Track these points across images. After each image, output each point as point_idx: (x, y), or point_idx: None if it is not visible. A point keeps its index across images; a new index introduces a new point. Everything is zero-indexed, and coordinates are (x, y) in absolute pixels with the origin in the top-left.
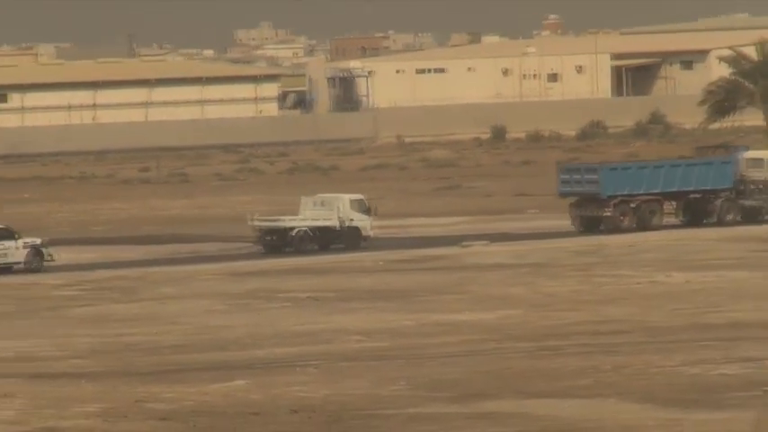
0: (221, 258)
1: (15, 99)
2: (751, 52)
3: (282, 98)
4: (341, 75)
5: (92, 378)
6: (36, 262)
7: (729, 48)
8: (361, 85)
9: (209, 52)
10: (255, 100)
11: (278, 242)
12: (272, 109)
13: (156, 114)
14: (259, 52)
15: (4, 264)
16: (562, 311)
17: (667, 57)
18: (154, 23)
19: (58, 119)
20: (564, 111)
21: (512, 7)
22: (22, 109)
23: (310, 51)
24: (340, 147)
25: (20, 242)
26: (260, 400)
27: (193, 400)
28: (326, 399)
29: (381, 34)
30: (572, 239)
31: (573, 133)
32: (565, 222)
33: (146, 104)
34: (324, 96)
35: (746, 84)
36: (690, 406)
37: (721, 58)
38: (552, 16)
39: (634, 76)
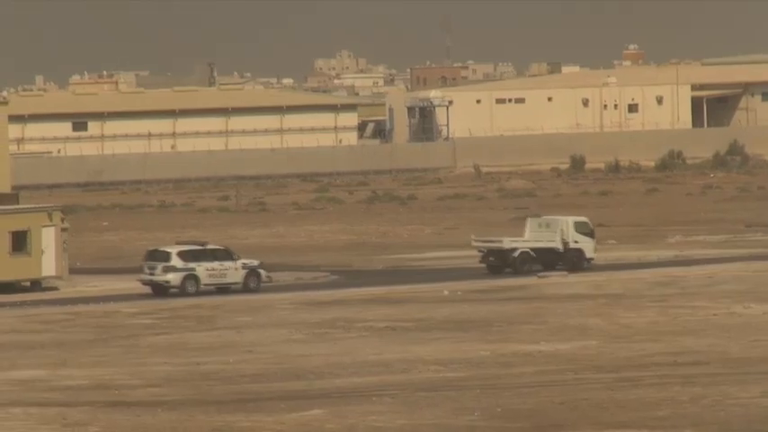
0: (298, 287)
1: (95, 127)
2: None
3: (362, 127)
4: (420, 104)
5: (168, 407)
6: (253, 282)
7: None
8: (441, 115)
9: (288, 81)
10: (335, 129)
11: (499, 262)
12: (351, 138)
13: (236, 143)
14: (338, 81)
15: (223, 284)
16: (639, 342)
17: (748, 87)
18: (234, 52)
19: (138, 147)
20: (643, 141)
21: (592, 37)
22: (102, 137)
23: (390, 81)
24: (418, 176)
25: (238, 263)
26: (335, 430)
27: (270, 430)
28: (402, 428)
29: (461, 64)
30: (651, 270)
31: (652, 164)
32: (643, 253)
33: (225, 133)
34: (402, 126)
35: None
36: None
37: None
38: (632, 46)
39: (714, 106)
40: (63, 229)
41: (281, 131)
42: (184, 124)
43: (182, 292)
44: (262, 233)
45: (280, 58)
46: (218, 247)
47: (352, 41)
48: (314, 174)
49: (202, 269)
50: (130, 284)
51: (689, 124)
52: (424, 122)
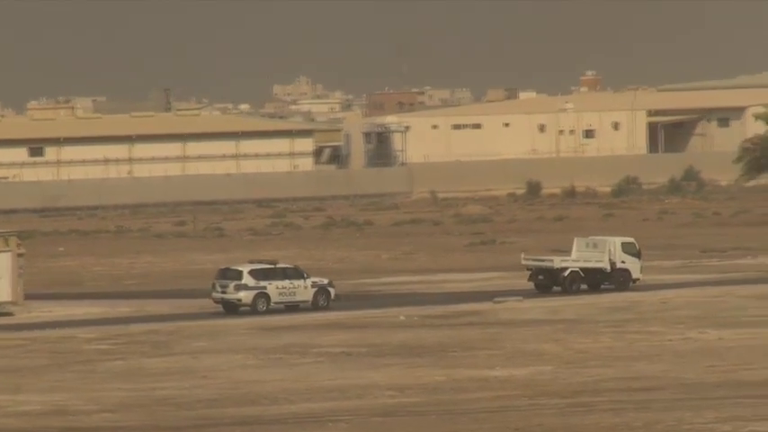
0: (254, 313)
1: (52, 152)
2: None
3: (318, 153)
4: (377, 130)
5: None
6: (323, 300)
7: (765, 105)
8: (397, 141)
9: (245, 106)
10: (291, 155)
11: (548, 281)
12: (307, 164)
13: (192, 168)
14: (295, 107)
15: (293, 302)
16: (594, 368)
17: (704, 114)
18: (191, 78)
19: (95, 172)
20: (599, 166)
21: (549, 63)
22: (58, 162)
23: (347, 106)
24: (374, 202)
25: (308, 281)
26: None
27: None
28: None
29: (417, 90)
30: (606, 296)
31: (608, 189)
32: None
33: (181, 158)
34: (359, 151)
35: None
36: None
37: (758, 116)
38: (590, 72)
39: (670, 132)
40: (19, 255)
41: (237, 157)
42: (141, 149)
43: (253, 310)
44: (218, 258)
45: (236, 83)
46: (288, 265)
47: (310, 68)
48: (270, 199)
49: (273, 287)
50: (87, 309)
51: (645, 150)
52: (381, 148)
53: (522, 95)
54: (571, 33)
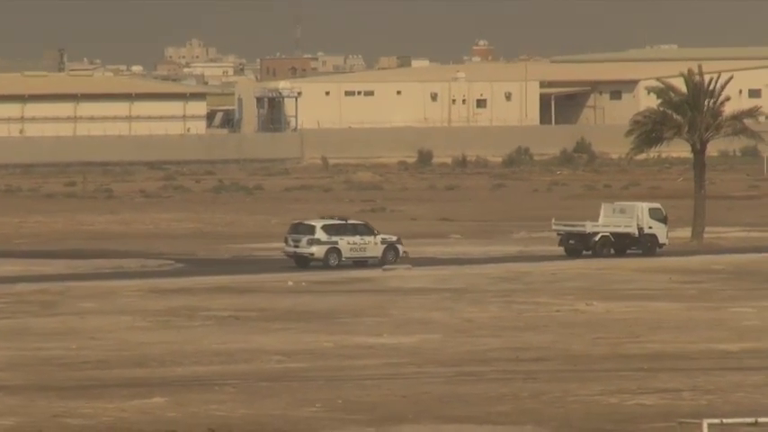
0: (143, 275)
1: None
2: (679, 83)
3: (210, 117)
4: (269, 95)
5: (8, 391)
6: (391, 256)
7: (657, 79)
8: (289, 106)
9: (138, 68)
10: (183, 118)
11: (578, 246)
12: (199, 127)
13: (84, 129)
14: (188, 70)
15: (362, 257)
16: (482, 337)
17: (596, 86)
18: (85, 39)
19: None
20: (491, 137)
21: (442, 32)
22: None
23: (240, 70)
24: (265, 167)
25: (378, 238)
26: (177, 418)
27: (111, 417)
28: (243, 418)
29: (311, 55)
30: (495, 266)
31: (499, 159)
32: (488, 248)
33: (73, 119)
34: (251, 116)
35: (674, 115)
36: None
37: (649, 89)
38: (482, 42)
39: (562, 104)
40: None
41: (129, 119)
42: (33, 109)
43: (324, 264)
44: (108, 220)
45: (130, 45)
46: (359, 222)
47: (203, 31)
48: (161, 162)
49: (344, 243)
50: None
51: (537, 121)
52: (273, 113)
53: (415, 63)
54: (464, 1)
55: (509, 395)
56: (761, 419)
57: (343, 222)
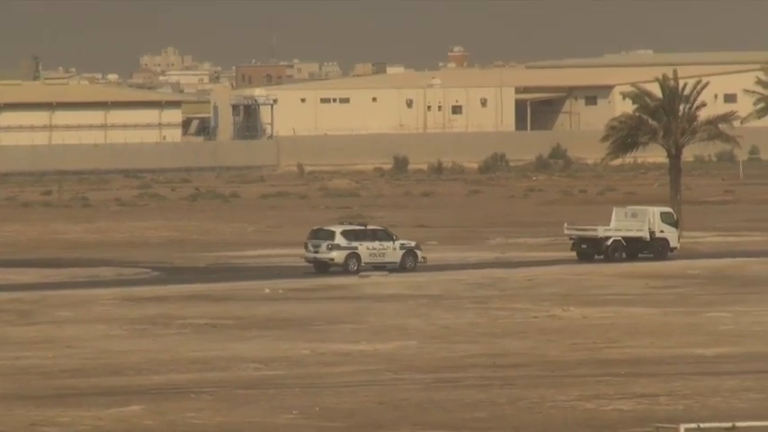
0: (119, 283)
1: None
2: (654, 89)
3: (186, 124)
4: (245, 102)
5: None
6: (410, 262)
7: (632, 84)
8: (265, 113)
9: (113, 77)
10: (159, 126)
11: (590, 250)
12: (175, 135)
13: (60, 138)
14: (163, 78)
15: (381, 263)
16: (459, 343)
17: (571, 91)
18: (60, 47)
19: None
20: (466, 143)
21: (417, 39)
22: None
23: (215, 78)
24: (241, 174)
25: (397, 243)
26: (154, 426)
27: (88, 425)
28: (220, 426)
29: (286, 63)
30: (471, 272)
31: (475, 165)
32: (464, 254)
33: (48, 128)
34: (227, 123)
35: (649, 120)
36: None
37: (625, 94)
38: (457, 48)
39: (538, 110)
40: None
41: (105, 127)
42: (8, 118)
43: (344, 269)
44: (84, 228)
45: (105, 53)
46: (378, 227)
47: (179, 39)
48: (137, 170)
49: (364, 248)
50: None
51: (512, 127)
52: (249, 120)
53: (390, 70)
54: (439, 7)
55: (486, 401)
56: (738, 424)
57: (363, 228)
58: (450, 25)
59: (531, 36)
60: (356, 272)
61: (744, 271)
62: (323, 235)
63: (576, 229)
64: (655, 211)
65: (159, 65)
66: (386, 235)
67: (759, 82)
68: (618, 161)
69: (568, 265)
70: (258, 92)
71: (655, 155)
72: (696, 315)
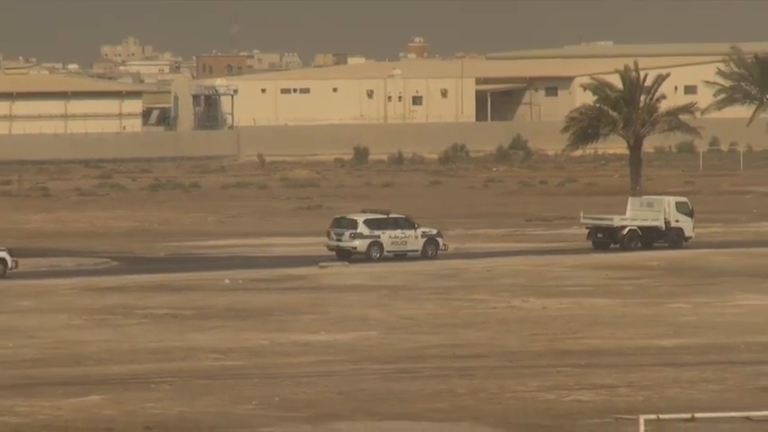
0: (80, 273)
1: None
2: (615, 80)
3: (147, 114)
4: (205, 92)
5: None
6: (431, 250)
7: (593, 75)
8: (225, 104)
9: (73, 66)
10: (119, 116)
11: (606, 239)
12: (135, 125)
13: (20, 128)
14: (124, 68)
15: (403, 251)
16: (419, 334)
17: (532, 82)
18: (20, 37)
19: None
20: (427, 133)
21: (378, 29)
22: None
23: (176, 68)
24: (202, 164)
25: (418, 231)
26: (114, 416)
27: (47, 415)
28: (180, 416)
29: (247, 53)
30: (432, 263)
31: (435, 156)
32: None
33: (9, 117)
34: (187, 114)
35: (610, 111)
36: (542, 431)
37: (585, 86)
38: (417, 39)
39: (498, 100)
40: None
41: (65, 117)
42: None
43: (366, 257)
44: (44, 218)
45: (65, 43)
46: (400, 216)
47: (139, 29)
48: (97, 160)
49: (386, 236)
50: None
51: (473, 118)
52: (209, 111)
53: (351, 61)
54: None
55: (446, 392)
56: (698, 415)
57: (385, 216)
58: (410, 16)
59: (492, 27)
60: (378, 260)
61: (704, 262)
62: (345, 223)
63: (592, 219)
64: (670, 201)
65: (120, 55)
66: (408, 223)
67: (720, 72)
68: (578, 152)
69: (528, 256)
70: (219, 82)
71: (615, 146)
72: (656, 306)
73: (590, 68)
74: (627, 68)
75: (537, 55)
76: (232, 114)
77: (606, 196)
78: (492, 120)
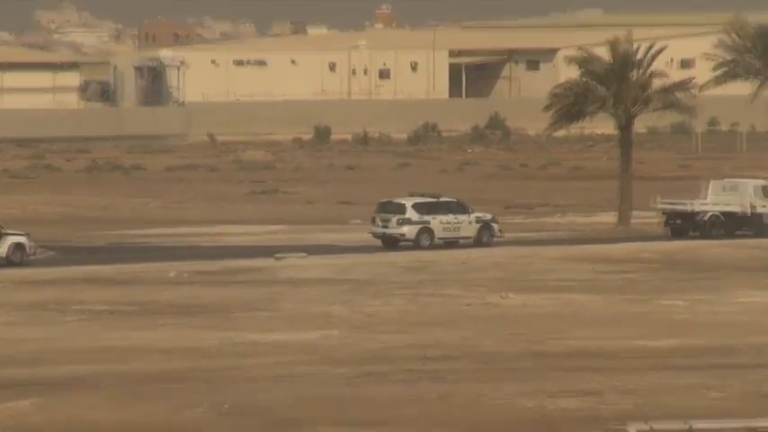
0: (417, 248)
1: None
2: (603, 53)
3: (84, 89)
4: (150, 64)
5: None
6: (486, 237)
7: (579, 47)
8: (172, 77)
9: (3, 35)
10: (54, 90)
11: (684, 226)
12: (72, 100)
13: None
14: (59, 36)
15: (455, 237)
16: (386, 333)
17: (511, 55)
18: None
19: None
20: (395, 111)
21: None
22: None
23: (117, 37)
24: (146, 144)
25: (472, 216)
26: (45, 423)
27: None
28: (120, 424)
29: (196, 20)
30: (400, 254)
31: (404, 136)
32: None
33: None
34: (130, 88)
35: (598, 87)
36: None
37: (570, 59)
38: (385, 6)
39: (474, 75)
40: None
41: None
42: None
43: (415, 245)
44: None
45: None
46: (452, 199)
47: None
48: (29, 139)
49: (437, 222)
50: None
51: (446, 94)
52: (154, 85)
53: (312, 31)
54: None
55: (415, 397)
56: (695, 425)
57: (436, 200)
58: None
59: None
60: (428, 247)
61: (700, 255)
62: (392, 208)
63: (670, 204)
64: (756, 185)
65: (54, 21)
66: (460, 207)
67: (719, 45)
68: (562, 132)
69: (506, 247)
70: (164, 53)
71: (603, 126)
72: (648, 303)
73: (576, 40)
74: (617, 39)
75: (517, 24)
76: (179, 89)
77: (593, 180)
78: (467, 96)
